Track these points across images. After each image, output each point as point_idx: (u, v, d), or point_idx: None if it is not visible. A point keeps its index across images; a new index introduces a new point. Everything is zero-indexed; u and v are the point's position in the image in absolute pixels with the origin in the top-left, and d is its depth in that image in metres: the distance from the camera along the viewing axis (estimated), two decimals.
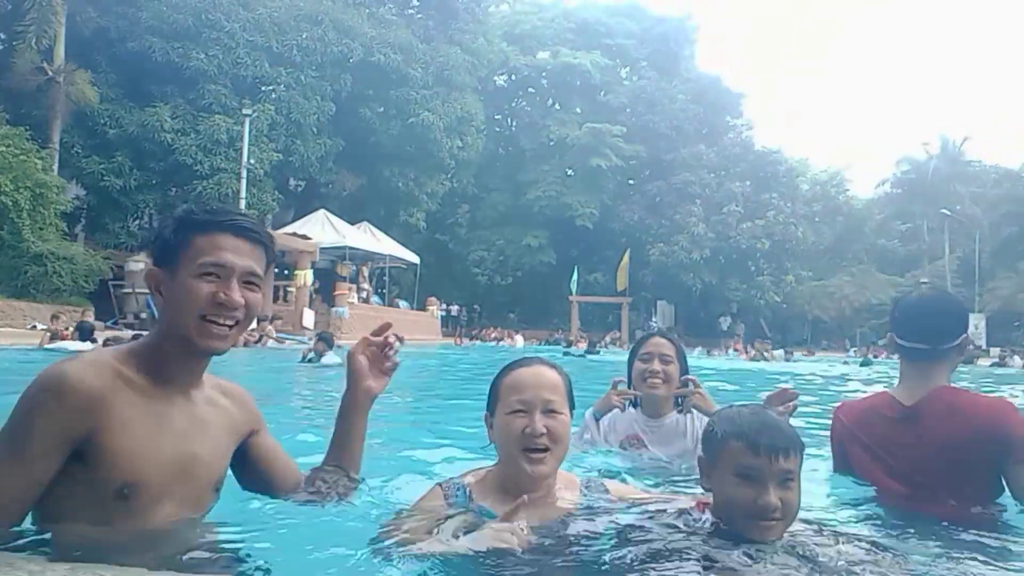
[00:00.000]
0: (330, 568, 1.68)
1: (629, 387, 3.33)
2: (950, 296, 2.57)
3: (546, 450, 1.90)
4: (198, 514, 1.76)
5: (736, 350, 30.43)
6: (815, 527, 1.88)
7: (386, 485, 2.29)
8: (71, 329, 13.06)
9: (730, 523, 1.76)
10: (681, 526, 1.84)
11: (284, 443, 2.09)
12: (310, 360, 11.04)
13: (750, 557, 1.68)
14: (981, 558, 1.94)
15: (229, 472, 1.91)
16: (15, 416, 1.58)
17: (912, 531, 2.13)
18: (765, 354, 24.14)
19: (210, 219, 1.71)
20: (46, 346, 11.96)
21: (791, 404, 2.63)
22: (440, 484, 2.00)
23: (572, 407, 2.02)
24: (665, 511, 1.94)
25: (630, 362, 3.34)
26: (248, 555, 1.72)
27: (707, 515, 1.84)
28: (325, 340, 11.37)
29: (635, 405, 3.33)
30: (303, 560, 1.72)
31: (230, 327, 1.71)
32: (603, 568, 1.69)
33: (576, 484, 2.09)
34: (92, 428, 1.57)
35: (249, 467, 1.94)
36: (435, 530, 1.73)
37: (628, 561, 1.69)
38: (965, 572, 1.83)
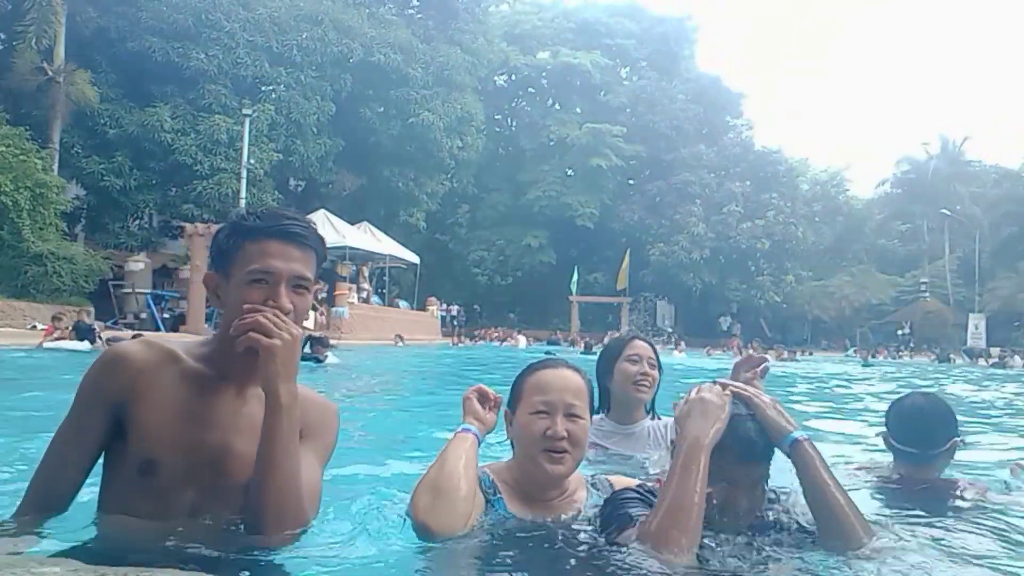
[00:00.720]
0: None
1: (600, 397, 3.13)
2: (941, 402, 2.73)
3: (566, 452, 1.93)
4: (227, 511, 1.71)
5: (731, 349, 30.55)
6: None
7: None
8: (70, 329, 13.10)
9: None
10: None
11: None
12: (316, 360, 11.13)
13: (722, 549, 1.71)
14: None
15: None
16: (79, 386, 1.74)
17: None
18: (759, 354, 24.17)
19: (259, 225, 1.73)
20: (46, 345, 11.99)
21: (759, 368, 2.71)
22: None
23: (593, 412, 2.06)
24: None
25: (608, 364, 3.19)
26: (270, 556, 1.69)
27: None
28: (323, 343, 11.37)
29: (600, 410, 3.18)
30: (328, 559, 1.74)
31: None
32: (613, 564, 1.71)
33: (583, 482, 2.12)
34: (129, 397, 1.68)
35: None
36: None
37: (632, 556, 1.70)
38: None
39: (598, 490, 2.11)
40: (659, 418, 3.21)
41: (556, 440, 1.91)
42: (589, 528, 1.89)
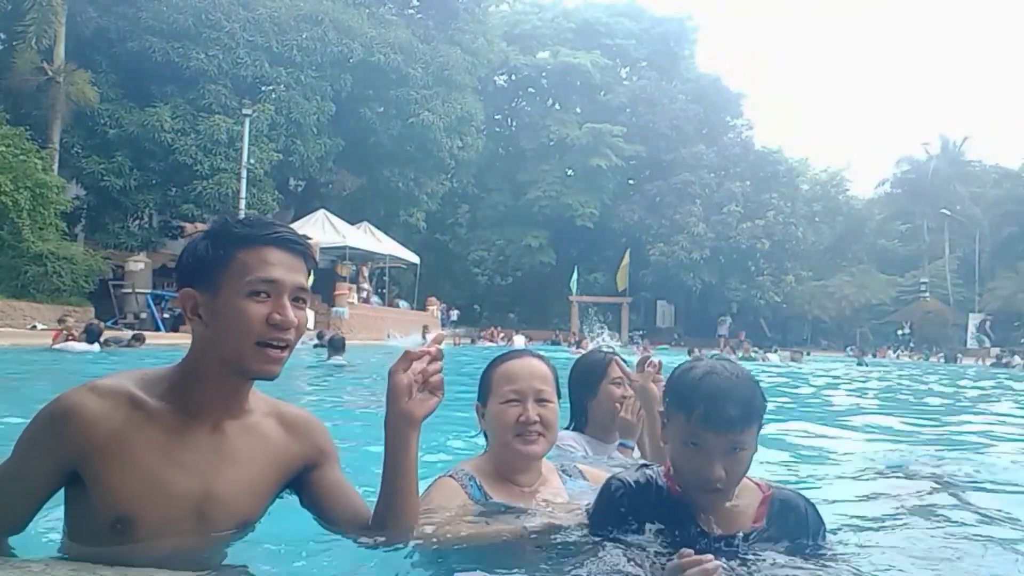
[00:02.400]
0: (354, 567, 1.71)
1: (574, 413, 3.04)
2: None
3: (540, 435, 2.02)
4: (216, 551, 1.61)
5: (722, 349, 30.62)
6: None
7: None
8: (82, 331, 13.05)
9: (680, 483, 1.80)
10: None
11: None
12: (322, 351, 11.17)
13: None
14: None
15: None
16: (25, 432, 1.55)
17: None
18: (752, 354, 24.22)
19: (254, 232, 1.56)
20: (55, 347, 11.98)
21: (657, 362, 2.80)
22: (451, 476, 2.04)
23: (559, 396, 2.13)
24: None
25: (592, 384, 3.00)
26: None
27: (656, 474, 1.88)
28: (337, 347, 11.17)
29: (574, 427, 3.04)
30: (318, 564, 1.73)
31: (283, 349, 1.57)
32: (586, 553, 1.76)
33: (554, 470, 2.20)
34: (83, 456, 1.49)
35: (305, 500, 1.76)
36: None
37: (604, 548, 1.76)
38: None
39: (570, 476, 2.21)
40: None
41: (529, 425, 2.00)
42: (560, 515, 1.95)
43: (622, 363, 3.05)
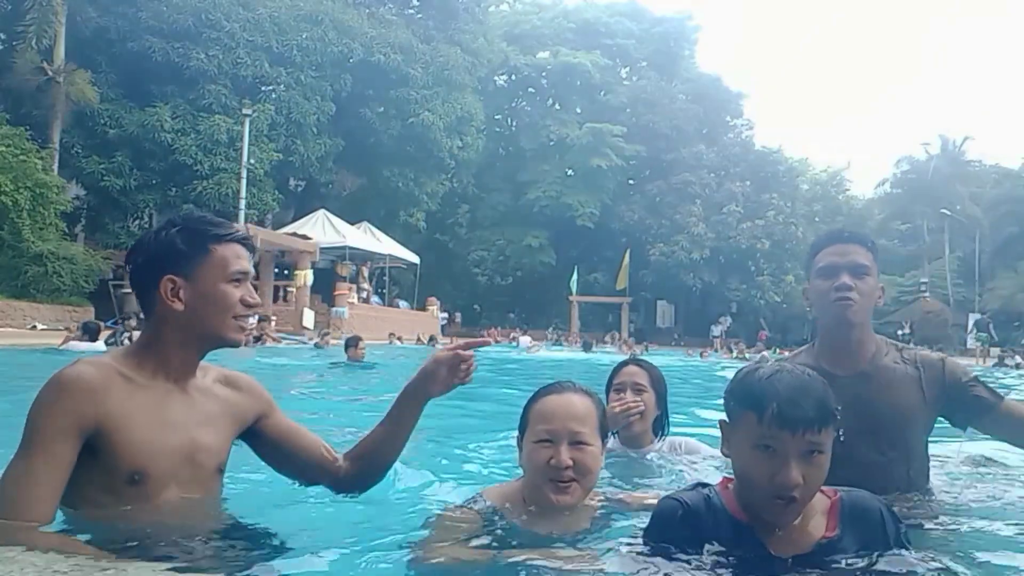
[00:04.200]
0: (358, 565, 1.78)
1: None
2: None
3: (572, 481, 1.87)
4: (208, 496, 1.91)
5: (717, 350, 30.66)
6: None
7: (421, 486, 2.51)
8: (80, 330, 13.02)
9: (748, 498, 1.64)
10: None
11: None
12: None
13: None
14: None
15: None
16: (30, 419, 1.70)
17: None
18: (747, 356, 24.24)
19: (222, 232, 1.91)
20: (61, 347, 11.97)
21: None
22: (472, 508, 1.95)
23: (605, 435, 1.99)
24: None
25: (606, 392, 3.00)
26: (262, 540, 1.87)
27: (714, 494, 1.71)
28: (355, 344, 11.02)
29: (614, 434, 2.99)
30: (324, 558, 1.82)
31: (250, 320, 1.98)
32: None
33: (595, 494, 2.07)
34: (98, 420, 1.71)
35: (269, 449, 2.07)
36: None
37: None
38: None
39: (610, 503, 2.07)
40: (663, 440, 3.04)
41: (560, 470, 1.86)
42: (593, 537, 1.86)
43: (635, 369, 3.03)
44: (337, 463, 2.08)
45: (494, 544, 1.79)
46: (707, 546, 1.62)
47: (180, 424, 1.84)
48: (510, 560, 1.70)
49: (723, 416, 1.71)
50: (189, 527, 1.79)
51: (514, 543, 1.79)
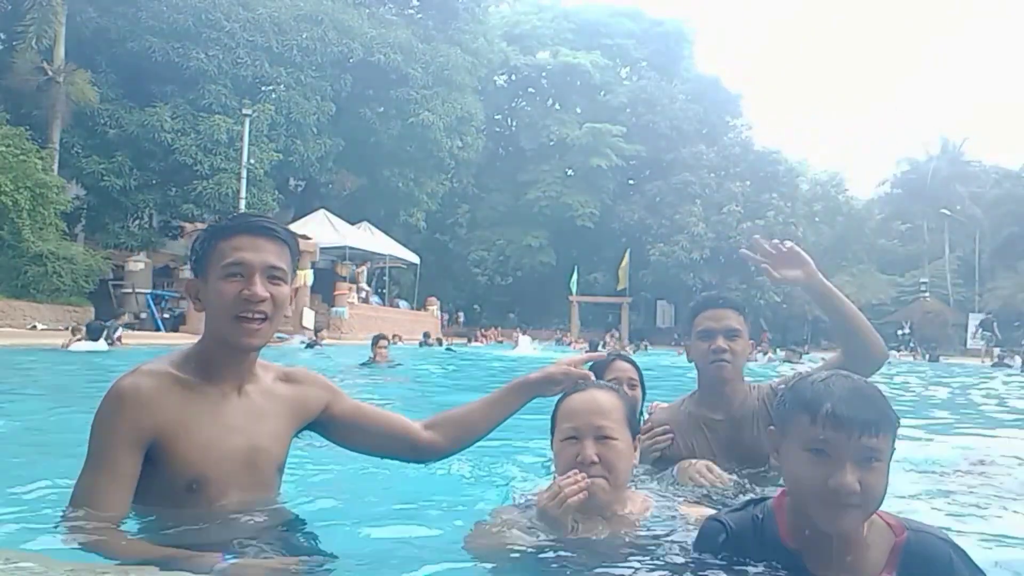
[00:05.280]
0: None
1: None
2: None
3: (600, 476, 1.87)
4: (267, 496, 1.91)
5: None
6: None
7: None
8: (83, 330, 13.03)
9: (801, 508, 1.53)
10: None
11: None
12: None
13: None
14: None
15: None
16: (92, 434, 1.73)
17: None
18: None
19: (228, 224, 1.85)
20: (69, 348, 11.99)
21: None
22: (519, 507, 2.01)
23: (635, 431, 2.01)
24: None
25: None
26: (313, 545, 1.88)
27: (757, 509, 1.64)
28: (380, 343, 10.92)
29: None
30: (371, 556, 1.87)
31: (260, 321, 1.81)
32: None
33: (650, 505, 2.07)
34: (156, 431, 1.72)
35: (342, 431, 2.06)
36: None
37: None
38: None
39: (663, 512, 2.03)
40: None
41: (587, 466, 1.86)
42: (638, 544, 1.84)
43: (624, 366, 3.02)
44: (417, 430, 2.09)
45: (542, 539, 1.81)
46: (750, 569, 1.54)
47: (238, 428, 1.82)
48: (556, 554, 1.75)
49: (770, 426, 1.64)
50: (246, 530, 1.77)
51: (558, 543, 1.81)
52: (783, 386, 1.68)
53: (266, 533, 1.79)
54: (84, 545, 1.60)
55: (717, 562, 1.59)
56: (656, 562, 1.71)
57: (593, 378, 2.14)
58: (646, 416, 2.99)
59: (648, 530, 1.92)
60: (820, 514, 1.47)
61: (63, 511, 1.70)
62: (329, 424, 2.05)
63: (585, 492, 1.78)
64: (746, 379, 2.87)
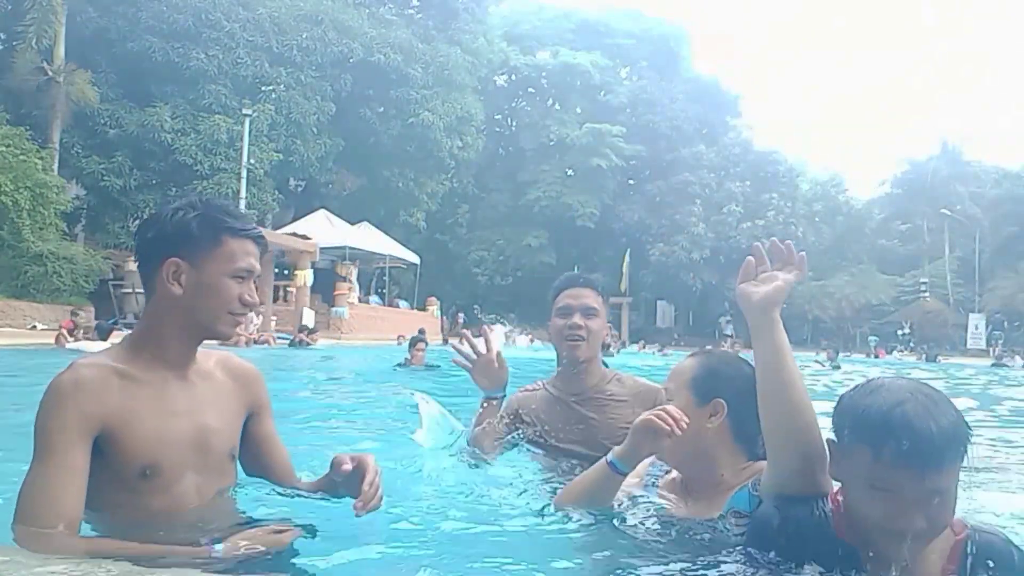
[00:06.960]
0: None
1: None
2: None
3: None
4: (224, 483, 1.91)
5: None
6: None
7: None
8: (93, 328, 13.01)
9: (859, 528, 1.47)
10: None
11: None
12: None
13: None
14: None
15: None
16: (38, 430, 1.69)
17: None
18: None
19: (238, 226, 1.85)
20: (68, 346, 11.93)
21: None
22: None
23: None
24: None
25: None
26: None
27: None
28: (411, 345, 10.38)
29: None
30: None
31: (243, 317, 1.92)
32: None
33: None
34: (102, 420, 1.69)
35: (244, 448, 2.01)
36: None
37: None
38: None
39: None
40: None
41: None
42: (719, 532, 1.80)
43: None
44: (294, 481, 2.05)
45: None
46: (806, 566, 1.49)
47: (185, 412, 1.82)
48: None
49: (830, 435, 1.52)
50: (207, 517, 1.78)
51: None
52: (845, 392, 1.53)
53: (225, 521, 1.80)
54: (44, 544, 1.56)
55: (773, 549, 1.55)
56: (713, 542, 1.76)
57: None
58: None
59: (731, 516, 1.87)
60: (882, 542, 1.41)
61: (16, 513, 1.62)
62: (245, 434, 1.99)
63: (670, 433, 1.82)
64: (611, 369, 2.92)
